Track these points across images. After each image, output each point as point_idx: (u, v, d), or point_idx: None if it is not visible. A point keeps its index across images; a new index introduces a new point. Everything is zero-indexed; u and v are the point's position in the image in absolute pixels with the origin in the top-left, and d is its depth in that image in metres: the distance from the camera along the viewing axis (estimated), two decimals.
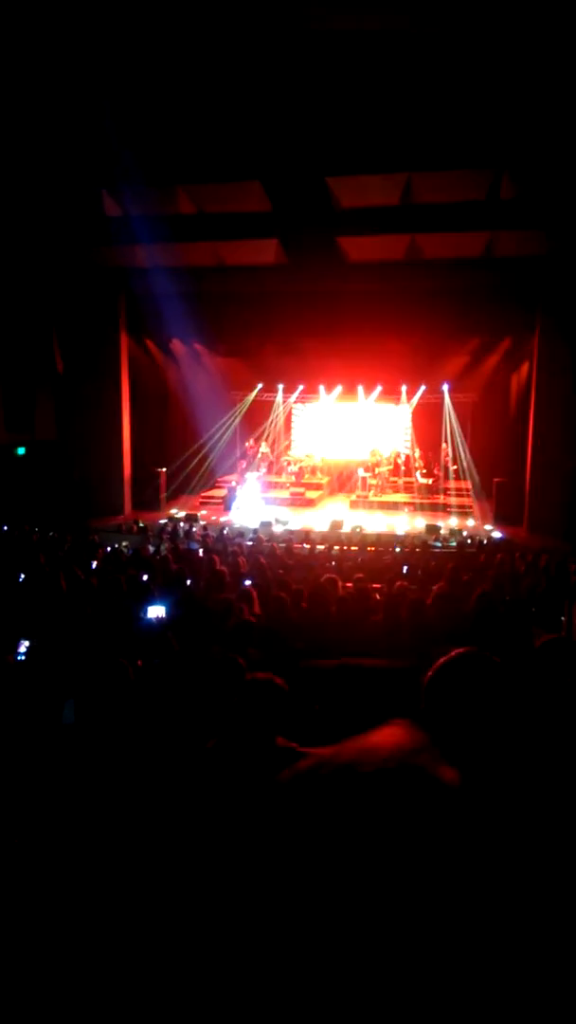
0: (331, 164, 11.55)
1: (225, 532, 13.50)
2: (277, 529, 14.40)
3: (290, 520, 15.36)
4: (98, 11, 8.46)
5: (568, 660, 2.98)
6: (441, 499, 17.50)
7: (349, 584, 6.49)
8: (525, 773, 1.13)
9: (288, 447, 20.64)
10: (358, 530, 14.20)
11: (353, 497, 18.04)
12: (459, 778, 0.65)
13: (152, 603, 5.16)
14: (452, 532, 14.59)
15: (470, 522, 16.14)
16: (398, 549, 11.85)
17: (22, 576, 7.26)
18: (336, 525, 14.57)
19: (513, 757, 1.11)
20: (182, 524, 14.62)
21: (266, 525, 14.66)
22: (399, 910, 0.60)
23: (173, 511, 16.83)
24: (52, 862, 2.01)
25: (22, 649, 3.76)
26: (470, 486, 17.81)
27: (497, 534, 14.81)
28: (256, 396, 19.72)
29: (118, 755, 2.34)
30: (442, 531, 14.46)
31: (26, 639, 3.84)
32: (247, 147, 11.18)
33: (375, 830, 0.61)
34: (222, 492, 17.85)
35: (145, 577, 7.23)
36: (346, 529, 14.37)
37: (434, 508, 17.13)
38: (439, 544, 13.15)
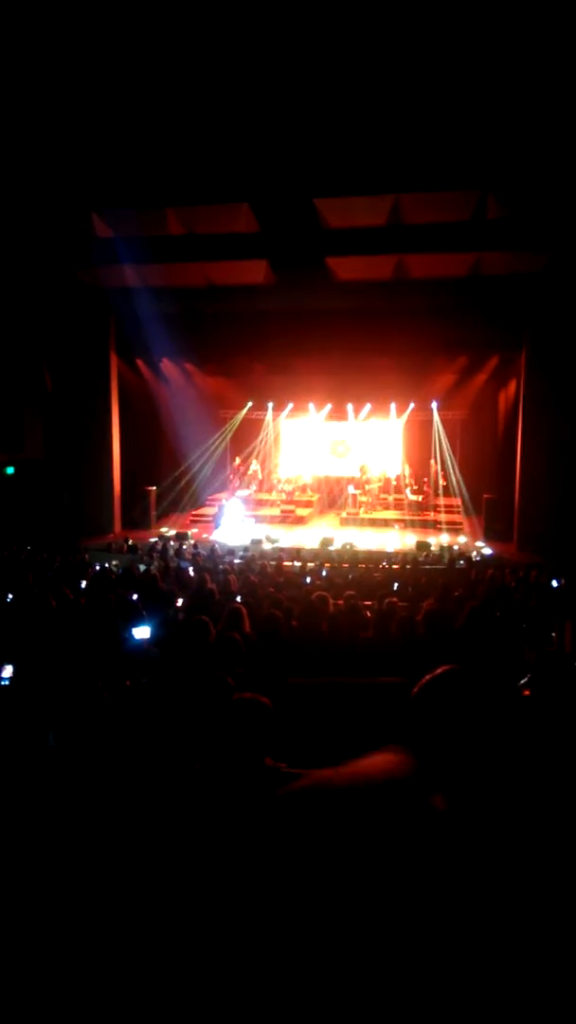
0: (319, 186, 11.70)
1: (215, 550, 13.46)
2: (267, 547, 14.38)
3: (280, 538, 15.35)
4: (90, 35, 8.58)
5: (564, 675, 2.97)
6: (431, 516, 17.55)
7: (340, 601, 6.46)
8: (513, 793, 1.12)
9: (277, 465, 20.70)
10: (348, 547, 14.19)
11: (343, 514, 18.06)
12: (447, 804, 0.65)
13: (141, 623, 5.12)
14: (442, 548, 14.61)
15: (460, 538, 16.18)
16: (387, 565, 11.84)
17: (10, 597, 7.19)
18: (327, 542, 14.56)
19: (500, 776, 1.10)
20: (172, 543, 14.57)
21: (256, 543, 14.63)
22: (384, 929, 0.60)
23: (163, 529, 16.78)
24: (39, 885, 1.97)
25: (6, 673, 3.70)
26: (460, 503, 17.88)
27: (487, 550, 14.84)
28: (246, 414, 19.80)
29: (103, 777, 2.31)
30: (432, 548, 14.48)
31: (11, 663, 3.78)
32: (236, 170, 11.32)
33: (364, 852, 0.62)
34: (212, 510, 17.84)
35: (135, 596, 7.18)
36: (336, 546, 14.37)
37: (424, 525, 17.17)
38: (429, 561, 13.16)
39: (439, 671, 1.26)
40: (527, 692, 3.43)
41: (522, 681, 3.66)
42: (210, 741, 2.22)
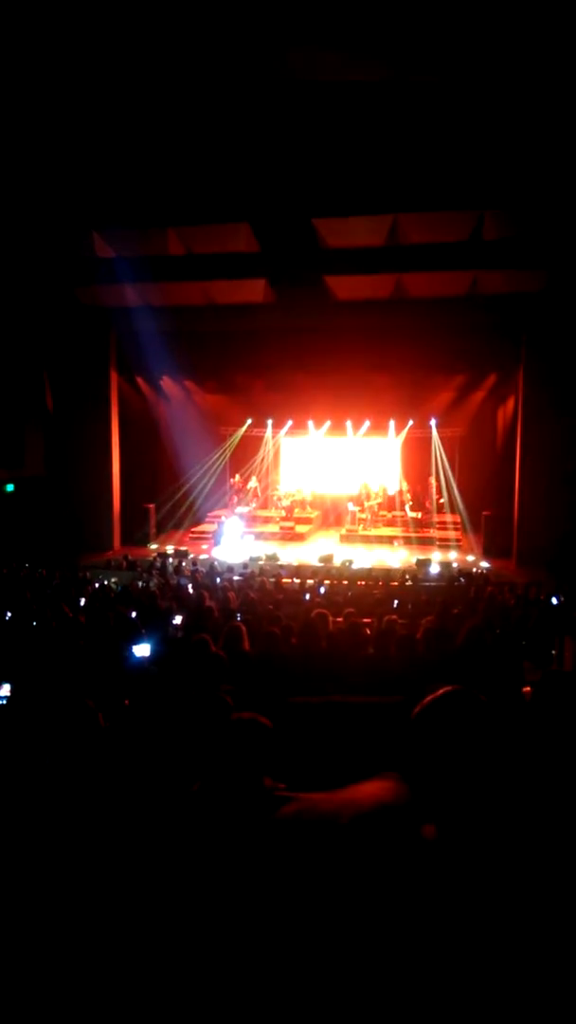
0: (318, 206, 11.84)
1: (214, 567, 13.44)
2: (267, 564, 14.36)
3: (280, 555, 15.34)
4: (91, 57, 8.71)
5: (565, 694, 2.95)
6: (431, 533, 17.54)
7: (339, 619, 6.44)
8: (508, 822, 1.11)
9: (277, 482, 20.72)
10: (348, 564, 14.17)
11: (343, 531, 18.05)
12: (437, 833, 0.65)
13: (140, 640, 5.10)
14: (442, 565, 14.59)
15: (458, 555, 16.16)
16: (386, 582, 11.82)
17: (8, 614, 7.17)
18: (326, 559, 14.55)
19: (496, 804, 1.08)
20: (171, 560, 14.55)
21: (256, 560, 14.62)
22: (370, 950, 0.60)
23: (153, 547, 16.76)
24: (37, 907, 1.95)
25: (3, 692, 3.68)
26: (459, 520, 17.88)
27: (486, 567, 14.83)
28: (245, 431, 19.86)
29: (99, 797, 2.29)
30: (432, 565, 14.46)
31: (8, 682, 3.76)
32: (236, 190, 11.46)
33: (350, 879, 0.62)
34: (212, 527, 17.83)
35: (134, 614, 7.16)
36: (336, 563, 14.35)
37: (424, 542, 17.15)
38: (429, 578, 13.14)
39: (440, 692, 1.25)
40: (528, 699, 3.42)
41: (525, 688, 3.64)
42: (209, 761, 2.21)
